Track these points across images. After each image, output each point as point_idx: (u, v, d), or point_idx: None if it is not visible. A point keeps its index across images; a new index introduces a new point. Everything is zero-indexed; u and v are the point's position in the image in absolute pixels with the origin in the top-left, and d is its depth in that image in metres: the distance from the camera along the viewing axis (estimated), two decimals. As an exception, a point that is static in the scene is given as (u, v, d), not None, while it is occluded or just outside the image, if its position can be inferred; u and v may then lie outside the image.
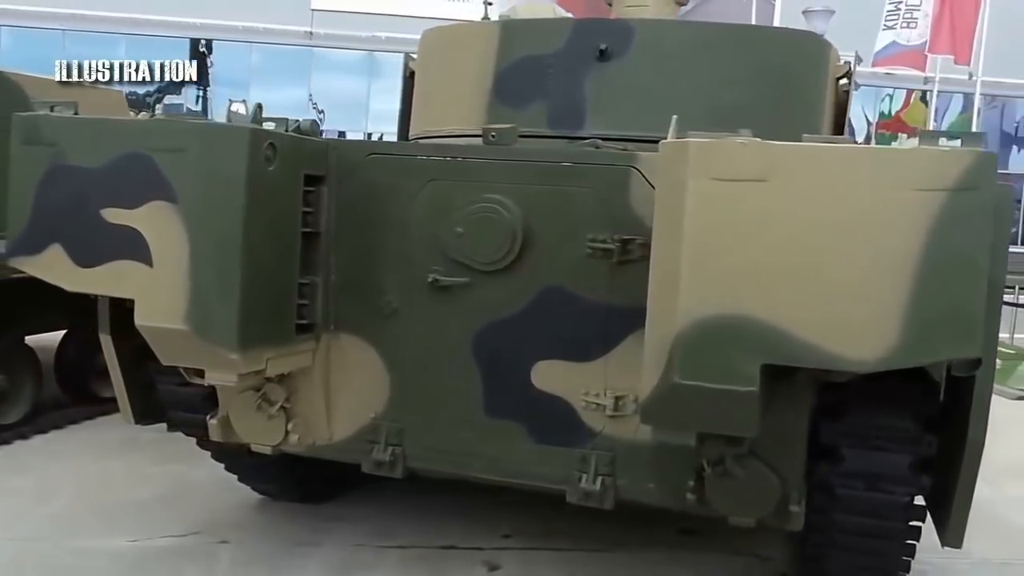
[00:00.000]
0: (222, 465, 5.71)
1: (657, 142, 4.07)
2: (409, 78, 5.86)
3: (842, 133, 5.22)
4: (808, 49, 4.85)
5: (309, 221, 3.84)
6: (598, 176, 3.67)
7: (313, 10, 26.23)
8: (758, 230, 2.80)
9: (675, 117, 3.32)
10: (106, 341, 4.28)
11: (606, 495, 3.82)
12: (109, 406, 6.97)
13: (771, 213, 2.80)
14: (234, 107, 7.49)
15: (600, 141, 4.01)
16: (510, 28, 4.76)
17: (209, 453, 4.92)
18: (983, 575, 4.74)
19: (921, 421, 3.53)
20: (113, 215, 3.43)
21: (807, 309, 2.79)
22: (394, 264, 3.93)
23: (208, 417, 4.26)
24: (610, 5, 5.63)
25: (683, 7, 5.66)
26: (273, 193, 3.56)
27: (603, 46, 4.44)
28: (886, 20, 18.64)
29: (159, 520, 5.01)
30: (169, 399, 4.43)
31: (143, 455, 6.14)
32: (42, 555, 4.54)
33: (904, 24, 18.18)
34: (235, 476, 5.17)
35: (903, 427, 3.52)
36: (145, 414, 4.55)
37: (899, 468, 3.52)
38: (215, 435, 4.25)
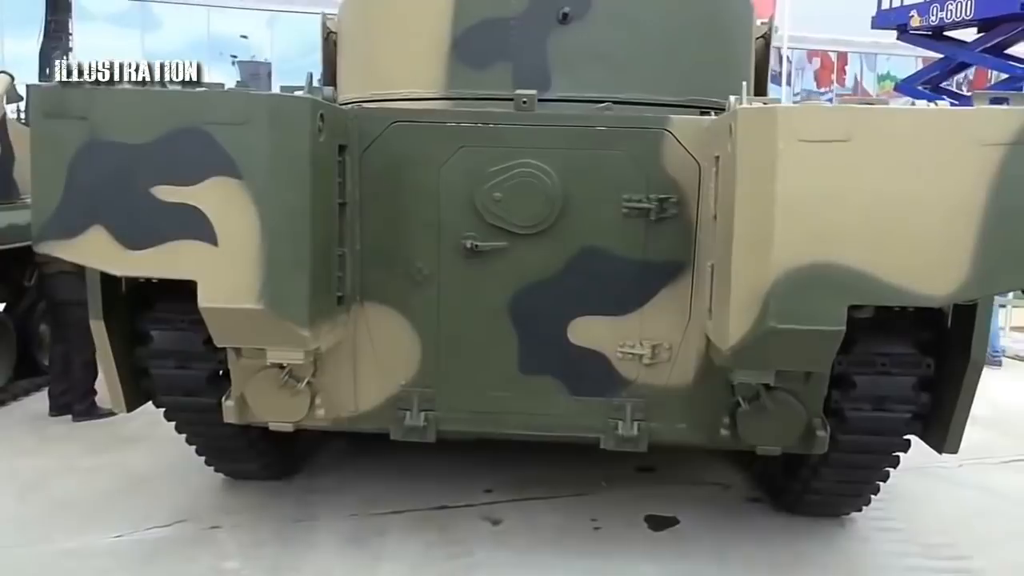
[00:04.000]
0: (160, 451, 5.56)
1: (606, 103, 4.26)
2: (327, 39, 5.73)
3: (764, 92, 5.61)
4: (739, 10, 5.14)
5: (338, 191, 3.78)
6: (632, 139, 3.84)
7: (76, -47, 24.23)
8: (843, 185, 3.05)
9: (744, 83, 3.52)
10: (98, 327, 4.03)
11: (641, 439, 4.05)
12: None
13: (855, 169, 3.05)
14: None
15: (613, 104, 4.15)
16: None
17: (184, 438, 4.75)
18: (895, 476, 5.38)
19: (920, 346, 3.96)
20: (167, 193, 3.25)
21: (889, 254, 3.07)
22: (424, 231, 3.94)
23: (223, 399, 4.13)
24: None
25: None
26: (323, 165, 3.50)
27: (565, 9, 4.52)
28: None
29: (132, 513, 4.77)
30: (165, 384, 4.23)
31: (69, 448, 5.81)
32: (31, 562, 4.23)
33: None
34: (202, 459, 4.98)
35: (906, 353, 3.93)
36: (135, 402, 4.33)
37: (903, 389, 3.94)
38: (231, 416, 4.12)
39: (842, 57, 30.80)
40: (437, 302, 4.00)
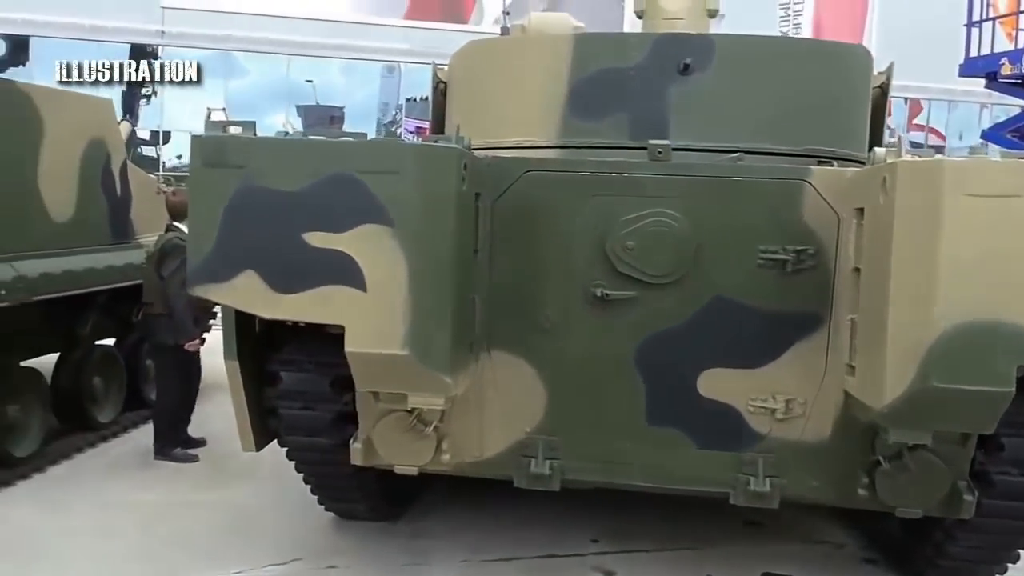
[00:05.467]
0: (265, 488, 5.63)
1: (738, 152, 4.25)
2: (436, 88, 5.84)
3: (880, 141, 5.56)
4: (859, 61, 5.11)
5: (472, 238, 3.82)
6: (770, 190, 3.83)
7: (164, 8, 25.06)
8: (1012, 240, 2.99)
9: (900, 136, 3.49)
10: (232, 367, 4.13)
11: (773, 496, 3.98)
12: (107, 432, 6.70)
13: None
14: (215, 116, 7.30)
15: (744, 154, 4.15)
16: (585, 42, 4.81)
17: (300, 478, 4.81)
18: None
19: None
20: (318, 239, 3.33)
21: None
22: (553, 279, 3.97)
23: (351, 441, 4.17)
24: (640, 17, 5.76)
25: (714, 19, 5.87)
26: (464, 213, 3.55)
27: (687, 60, 4.56)
28: (780, 25, 19.53)
29: (247, 549, 4.84)
30: (291, 424, 4.30)
31: (179, 483, 5.90)
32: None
33: (794, 30, 19.09)
34: (308, 497, 5.04)
35: None
36: (263, 441, 4.41)
37: None
38: (357, 459, 4.16)
39: (915, 105, 30.35)
40: (564, 350, 4.01)
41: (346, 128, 23.82)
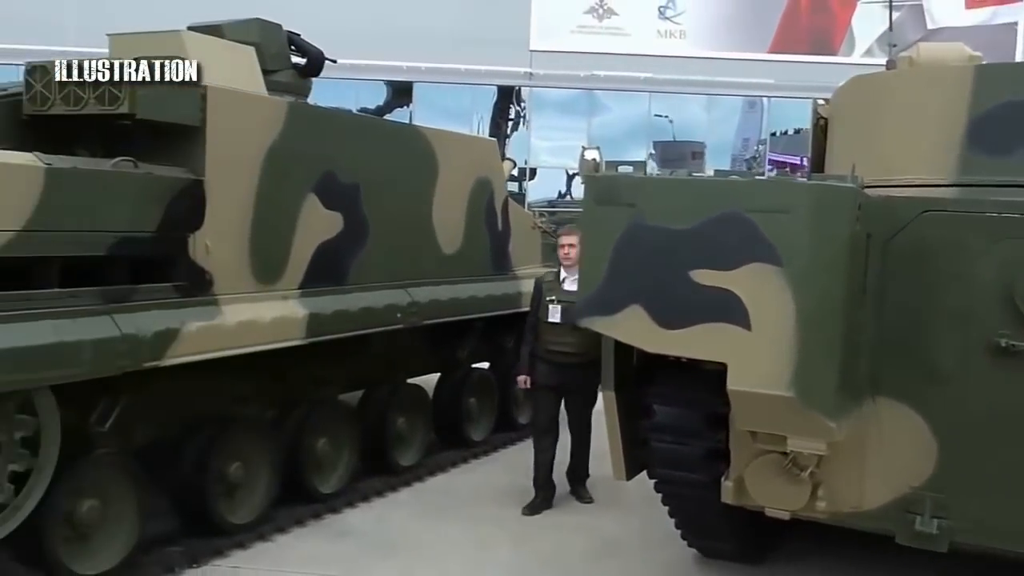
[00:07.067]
0: (628, 517, 5.71)
1: None
2: (817, 124, 5.69)
3: None
4: None
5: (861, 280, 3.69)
6: None
7: (532, 51, 26.58)
8: None
9: None
10: (609, 398, 4.27)
11: None
12: (478, 449, 7.12)
13: None
14: (588, 154, 7.58)
15: None
16: (988, 72, 4.50)
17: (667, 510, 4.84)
18: None
19: None
20: (704, 277, 3.37)
21: None
22: (950, 326, 3.73)
23: (723, 478, 4.15)
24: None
25: None
26: (855, 254, 3.44)
27: None
28: None
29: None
30: (662, 457, 4.35)
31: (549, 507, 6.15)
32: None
33: None
34: (671, 531, 5.06)
35: None
36: (633, 471, 4.51)
37: None
38: (728, 497, 4.13)
39: None
40: (960, 403, 3.75)
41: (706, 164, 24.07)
